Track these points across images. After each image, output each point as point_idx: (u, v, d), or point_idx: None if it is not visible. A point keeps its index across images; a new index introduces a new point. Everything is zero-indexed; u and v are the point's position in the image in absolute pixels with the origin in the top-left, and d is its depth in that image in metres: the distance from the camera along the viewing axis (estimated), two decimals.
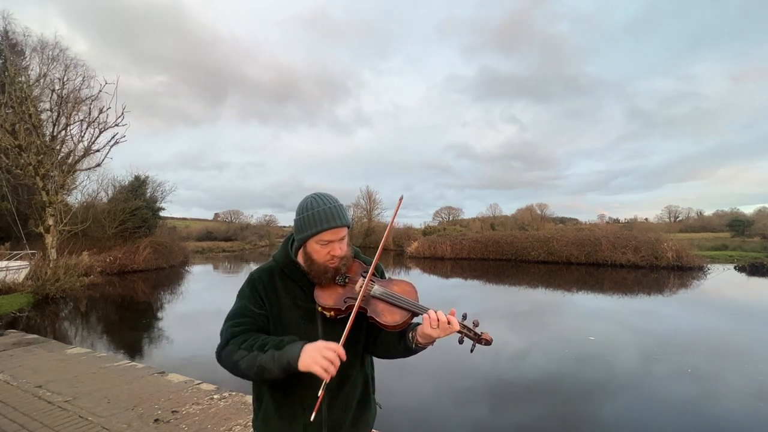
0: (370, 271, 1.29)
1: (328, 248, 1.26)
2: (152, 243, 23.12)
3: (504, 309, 11.68)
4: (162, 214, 27.97)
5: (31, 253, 15.81)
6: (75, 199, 22.70)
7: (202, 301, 13.20)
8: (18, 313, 10.38)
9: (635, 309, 11.22)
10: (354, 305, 1.23)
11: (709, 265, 21.38)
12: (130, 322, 10.54)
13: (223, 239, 51.49)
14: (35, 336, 7.20)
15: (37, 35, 27.17)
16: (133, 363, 5.58)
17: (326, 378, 1.07)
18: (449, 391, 5.51)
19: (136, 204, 23.70)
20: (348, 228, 1.31)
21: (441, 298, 13.25)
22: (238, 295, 1.35)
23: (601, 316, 10.53)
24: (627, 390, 5.38)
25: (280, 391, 1.29)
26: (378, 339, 1.37)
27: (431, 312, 1.20)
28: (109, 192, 24.98)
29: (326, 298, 1.27)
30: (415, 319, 1.28)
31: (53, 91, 17.06)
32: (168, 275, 20.80)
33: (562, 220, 55.91)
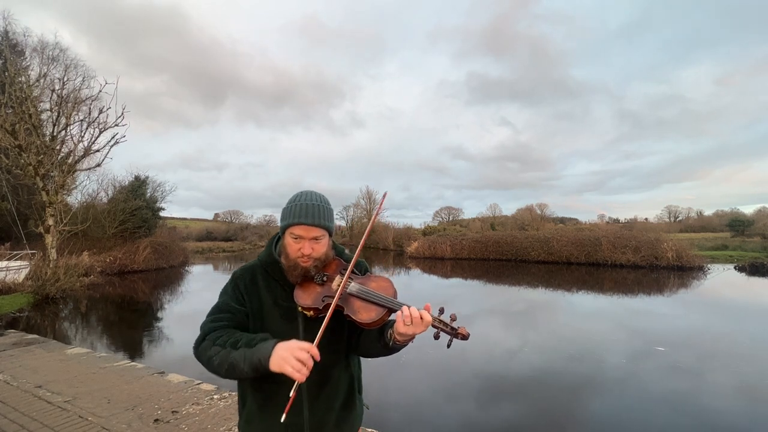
0: (349, 269, 1.28)
1: (300, 244, 1.26)
2: (152, 243, 23.13)
3: (502, 308, 11.69)
4: (162, 214, 27.98)
5: (31, 253, 15.80)
6: (75, 199, 22.75)
7: (202, 301, 13.19)
8: (18, 313, 10.38)
9: (635, 309, 11.22)
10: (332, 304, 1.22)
11: (709, 265, 21.36)
12: (130, 322, 10.55)
13: (222, 239, 51.48)
14: (35, 336, 7.20)
15: (38, 35, 27.23)
16: (133, 363, 5.58)
17: (299, 379, 1.06)
18: (443, 388, 5.51)
19: (136, 204, 23.69)
20: (326, 231, 1.29)
21: (441, 298, 13.25)
22: (220, 293, 1.36)
23: (601, 315, 10.52)
24: (624, 386, 5.39)
25: (262, 393, 1.28)
26: (360, 338, 1.35)
27: (404, 308, 1.18)
28: (109, 192, 24.98)
29: (305, 298, 1.26)
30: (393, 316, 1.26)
31: (53, 91, 17.07)
32: (168, 275, 20.80)
33: (562, 220, 55.90)
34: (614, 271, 20.77)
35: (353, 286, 1.27)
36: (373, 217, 1.54)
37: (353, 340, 1.38)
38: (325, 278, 1.30)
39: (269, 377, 1.16)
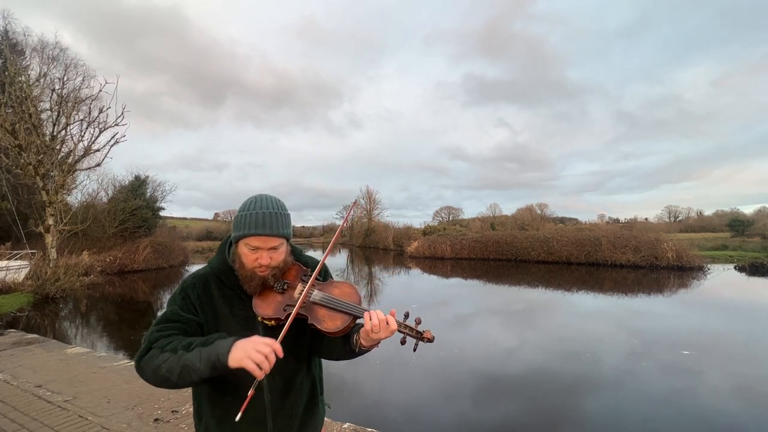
0: (312, 278, 1.23)
1: (256, 254, 1.20)
2: (152, 243, 23.15)
3: (502, 308, 11.69)
4: (162, 214, 28.00)
5: (31, 253, 15.81)
6: (75, 198, 22.75)
7: None
8: (18, 313, 10.38)
9: (634, 309, 11.21)
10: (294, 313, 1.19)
11: (709, 265, 21.35)
12: (130, 321, 10.54)
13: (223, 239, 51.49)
14: (35, 336, 7.20)
15: (38, 35, 27.22)
16: (133, 362, 5.58)
17: (259, 375, 1.01)
18: (442, 387, 5.51)
19: (136, 204, 23.71)
20: (285, 239, 1.24)
21: (440, 298, 13.25)
22: (168, 302, 1.26)
23: (600, 316, 10.52)
24: (630, 385, 5.39)
25: (221, 407, 1.22)
26: (323, 342, 1.34)
27: (372, 313, 1.17)
28: (109, 192, 25.02)
29: (265, 308, 1.21)
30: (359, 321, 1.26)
31: (53, 90, 17.08)
32: (168, 275, 20.80)
33: (562, 220, 55.91)
34: (614, 271, 20.76)
35: (316, 294, 1.23)
36: (341, 225, 1.54)
37: (316, 344, 1.35)
38: (285, 286, 1.25)
39: (228, 389, 1.11)
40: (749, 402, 5.02)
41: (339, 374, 5.70)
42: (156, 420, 3.61)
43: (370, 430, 3.53)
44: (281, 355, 1.06)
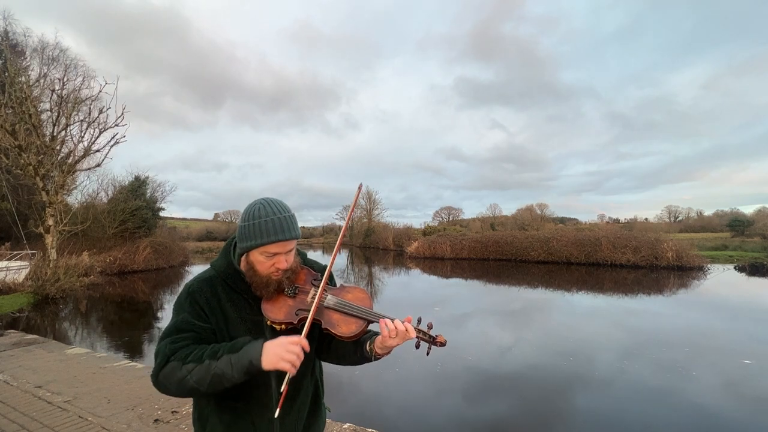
0: (323, 282, 1.22)
1: (273, 260, 1.17)
2: (152, 243, 23.16)
3: (502, 308, 11.69)
4: (162, 214, 28.00)
5: (31, 253, 15.82)
6: (75, 199, 22.77)
7: None
8: (18, 314, 10.39)
9: (634, 309, 11.21)
10: (307, 317, 1.18)
11: (709, 265, 21.34)
12: (130, 322, 10.55)
13: (222, 239, 51.52)
14: (35, 336, 7.20)
15: (38, 36, 27.25)
16: (133, 363, 5.58)
17: (293, 372, 1.07)
18: (441, 385, 5.51)
19: (136, 204, 23.70)
20: (297, 239, 1.22)
21: (440, 298, 13.25)
22: (174, 309, 1.22)
23: (599, 315, 10.52)
24: (621, 383, 5.39)
25: (231, 412, 1.21)
26: (331, 346, 1.33)
27: (389, 322, 1.17)
28: (109, 192, 25.03)
29: (276, 312, 1.19)
30: (372, 326, 1.25)
31: (53, 91, 17.07)
32: (168, 275, 20.80)
33: (562, 220, 55.91)
34: (614, 271, 20.75)
35: (330, 299, 1.23)
36: (348, 214, 1.50)
37: (324, 348, 1.35)
38: (296, 290, 1.24)
39: (238, 396, 1.18)
40: (743, 398, 5.03)
41: (337, 374, 5.70)
42: (156, 420, 3.61)
43: (370, 430, 3.53)
44: (308, 350, 1.11)
